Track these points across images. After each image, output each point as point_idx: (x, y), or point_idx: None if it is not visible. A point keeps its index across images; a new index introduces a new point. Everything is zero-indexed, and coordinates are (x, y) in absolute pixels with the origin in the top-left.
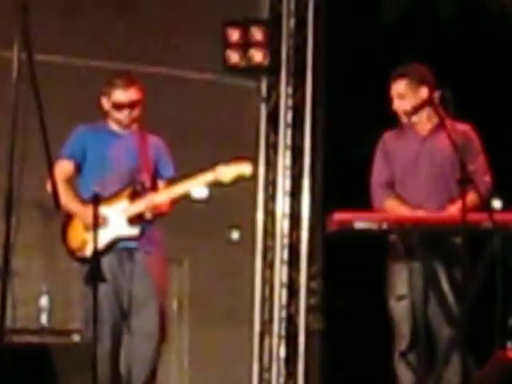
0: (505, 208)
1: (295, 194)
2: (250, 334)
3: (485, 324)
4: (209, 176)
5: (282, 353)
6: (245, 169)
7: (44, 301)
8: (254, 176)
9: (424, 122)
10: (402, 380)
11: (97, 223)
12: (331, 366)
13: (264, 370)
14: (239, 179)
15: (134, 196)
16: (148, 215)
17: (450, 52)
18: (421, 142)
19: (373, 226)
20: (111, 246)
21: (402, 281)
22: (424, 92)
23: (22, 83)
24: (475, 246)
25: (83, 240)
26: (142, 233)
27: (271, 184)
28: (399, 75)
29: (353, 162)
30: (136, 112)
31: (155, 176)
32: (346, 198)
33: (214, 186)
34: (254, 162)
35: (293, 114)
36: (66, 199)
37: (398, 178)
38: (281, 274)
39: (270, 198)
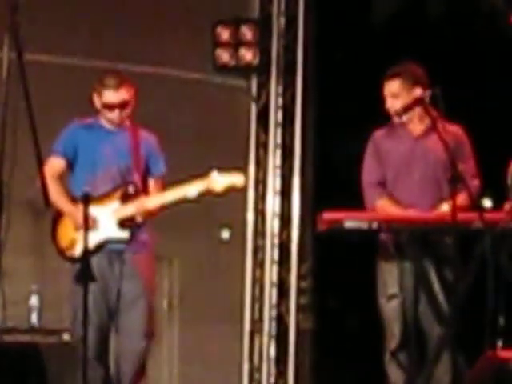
0: (495, 207)
1: (285, 193)
2: (240, 333)
3: (475, 323)
4: (201, 184)
5: (272, 352)
6: (237, 180)
7: (34, 300)
8: (244, 175)
9: (416, 121)
10: (393, 379)
11: (87, 223)
12: (321, 365)
13: (254, 369)
14: (230, 189)
15: (125, 198)
16: (138, 219)
17: (440, 52)
18: (414, 143)
19: (363, 225)
20: (100, 246)
21: (393, 280)
22: (418, 92)
23: (12, 82)
24: (466, 245)
25: (72, 239)
26: (132, 236)
27: (261, 183)
28: (393, 75)
29: (343, 161)
30: (127, 111)
31: (146, 173)
32: (336, 198)
33: (206, 195)
34: (244, 161)
35: (283, 113)
36: (57, 197)
37: (389, 178)
38: (271, 273)
39: (260, 197)
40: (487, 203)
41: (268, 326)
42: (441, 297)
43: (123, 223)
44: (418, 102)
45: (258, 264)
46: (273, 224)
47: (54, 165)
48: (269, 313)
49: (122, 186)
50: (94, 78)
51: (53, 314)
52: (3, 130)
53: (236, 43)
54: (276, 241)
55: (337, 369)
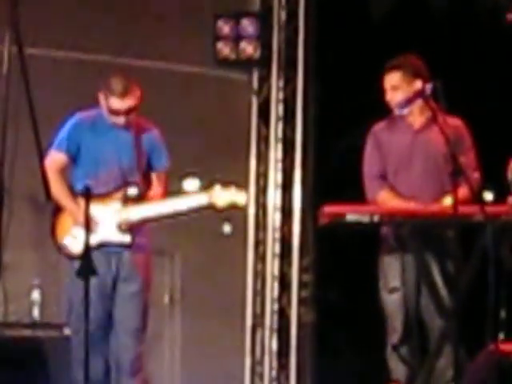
0: (496, 200)
1: (287, 186)
2: (241, 327)
3: (477, 316)
4: (204, 198)
5: (274, 346)
6: (240, 198)
7: (36, 294)
8: (246, 169)
9: (416, 114)
10: (395, 372)
11: (88, 218)
12: (323, 358)
13: (256, 362)
14: (232, 207)
15: (127, 200)
16: (138, 223)
17: (440, 46)
18: (414, 136)
19: (364, 218)
20: (98, 247)
21: (394, 273)
22: (418, 85)
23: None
24: (467, 238)
25: (70, 235)
26: (132, 241)
27: (262, 177)
28: (393, 67)
29: (344, 155)
30: (132, 116)
31: (149, 168)
32: (337, 191)
33: (207, 209)
34: (246, 155)
35: (284, 107)
36: (59, 193)
37: (390, 171)
38: (272, 266)
39: (262, 190)
40: (488, 196)
41: (270, 319)
42: (442, 290)
43: (123, 227)
44: (419, 94)
45: (260, 258)
46: (274, 218)
47: (56, 159)
48: (270, 306)
49: (123, 187)
50: (96, 71)
51: (54, 308)
52: (4, 124)
53: (237, 37)
54: (277, 234)
55: (338, 362)
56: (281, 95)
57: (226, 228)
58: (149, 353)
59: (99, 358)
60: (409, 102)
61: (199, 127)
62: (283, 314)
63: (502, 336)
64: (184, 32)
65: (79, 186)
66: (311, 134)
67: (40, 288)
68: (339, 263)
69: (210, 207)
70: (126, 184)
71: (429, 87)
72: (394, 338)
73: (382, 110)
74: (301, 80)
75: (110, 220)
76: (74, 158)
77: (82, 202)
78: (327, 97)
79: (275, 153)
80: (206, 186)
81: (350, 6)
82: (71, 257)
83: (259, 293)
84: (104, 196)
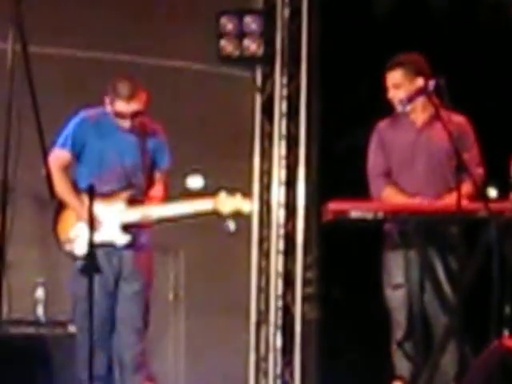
0: (500, 196)
1: (290, 183)
2: (246, 324)
3: (481, 312)
4: (208, 203)
5: (279, 342)
6: (245, 206)
7: (40, 292)
8: (249, 166)
9: (419, 111)
10: (399, 369)
11: (92, 216)
12: (328, 355)
13: (261, 359)
14: (236, 214)
15: (131, 201)
16: (141, 224)
17: (443, 42)
18: (417, 133)
19: (368, 215)
20: (100, 246)
21: (398, 270)
22: (420, 82)
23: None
24: (471, 234)
25: (72, 234)
26: (133, 242)
27: (266, 174)
28: (396, 64)
29: (347, 152)
30: (138, 119)
31: (152, 167)
32: (341, 188)
33: (211, 214)
34: (249, 152)
35: (288, 104)
36: (63, 190)
37: (394, 168)
38: (277, 263)
39: (266, 187)
40: (492, 192)
41: (274, 316)
42: (446, 286)
43: (126, 227)
44: (422, 91)
45: (264, 254)
46: (278, 214)
47: (60, 157)
48: (275, 303)
49: (127, 188)
50: (100, 69)
51: (58, 306)
52: (8, 121)
53: (240, 34)
54: (281, 231)
55: (343, 359)
56: (284, 92)
57: (230, 225)
58: (153, 349)
59: (104, 355)
60: (411, 99)
61: (203, 124)
62: (287, 311)
63: (506, 332)
64: (187, 29)
65: (83, 184)
66: (315, 130)
67: (44, 286)
68: (343, 260)
69: (215, 213)
70: (130, 185)
71: (431, 84)
72: (398, 334)
73: (385, 108)
74: (304, 77)
75: (112, 220)
76: (78, 156)
77: (86, 199)
78: (331, 93)
79: (279, 150)
80: (211, 193)
81: (354, 4)
82: (74, 254)
83: (263, 290)
84: (107, 196)
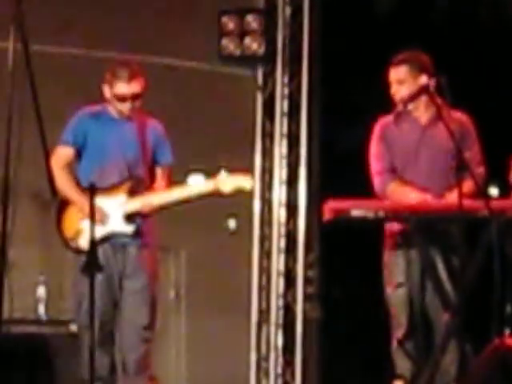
0: (501, 195)
1: (292, 182)
2: (247, 323)
3: (482, 311)
4: (209, 184)
5: (280, 341)
6: (245, 183)
7: (41, 291)
8: (251, 165)
9: (422, 110)
10: (400, 368)
11: (93, 213)
12: (329, 354)
13: (262, 358)
14: (238, 192)
15: (133, 192)
16: (144, 213)
17: (444, 41)
18: (421, 131)
19: (369, 214)
20: (105, 239)
21: (399, 269)
22: (424, 79)
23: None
24: (472, 233)
25: (78, 230)
26: (137, 231)
27: (268, 173)
28: (400, 61)
29: (349, 150)
30: (138, 103)
31: (153, 163)
32: (342, 186)
33: (213, 195)
34: (251, 151)
35: (289, 103)
36: (66, 187)
37: (397, 166)
38: (278, 262)
39: (267, 186)
40: (494, 191)
41: (275, 315)
42: (447, 285)
43: (129, 217)
44: (423, 90)
45: (265, 253)
46: (279, 213)
47: (62, 155)
48: (276, 302)
49: (129, 180)
50: (101, 68)
51: (60, 304)
52: (9, 120)
53: (241, 33)
54: (283, 230)
55: (344, 358)
56: (286, 91)
57: (232, 224)
58: (154, 348)
59: (107, 354)
60: (412, 98)
61: (204, 123)
62: (289, 310)
63: (507, 331)
64: (188, 28)
65: (85, 179)
66: (316, 129)
67: (45, 285)
68: (344, 258)
69: (216, 193)
70: (131, 177)
71: (432, 82)
72: (399, 333)
73: (387, 106)
74: (305, 75)
75: (116, 211)
76: (80, 151)
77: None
78: (332, 92)
79: (280, 148)
80: (211, 174)
81: (354, 2)
82: (79, 251)
83: (264, 288)
84: (110, 189)
